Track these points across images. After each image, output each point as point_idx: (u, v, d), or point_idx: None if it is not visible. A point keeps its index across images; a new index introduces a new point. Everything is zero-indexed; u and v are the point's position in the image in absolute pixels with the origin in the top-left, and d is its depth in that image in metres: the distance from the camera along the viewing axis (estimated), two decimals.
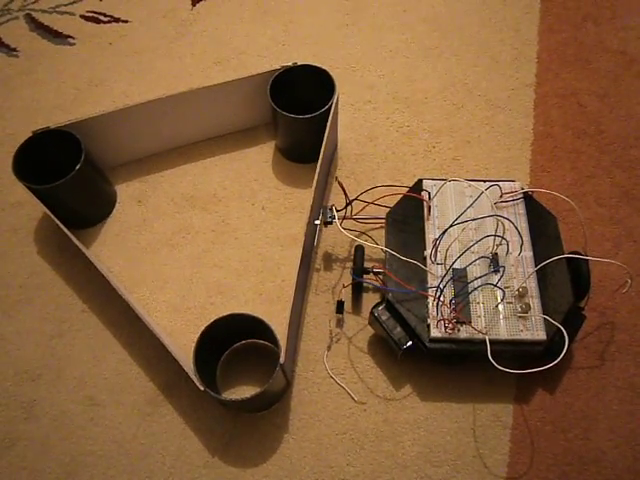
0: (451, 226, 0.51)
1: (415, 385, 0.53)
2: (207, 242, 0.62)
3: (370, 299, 0.57)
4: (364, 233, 0.60)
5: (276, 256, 0.60)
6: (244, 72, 0.61)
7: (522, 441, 0.51)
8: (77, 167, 0.56)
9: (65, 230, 0.55)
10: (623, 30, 0.75)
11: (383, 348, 0.55)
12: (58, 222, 0.55)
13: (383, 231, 0.57)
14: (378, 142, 0.67)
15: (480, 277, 0.50)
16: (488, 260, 0.51)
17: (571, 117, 0.69)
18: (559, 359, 0.46)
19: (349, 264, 0.59)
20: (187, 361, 0.49)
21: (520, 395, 0.53)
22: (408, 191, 0.56)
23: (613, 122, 0.68)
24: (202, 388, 0.46)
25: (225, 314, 0.49)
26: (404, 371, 0.54)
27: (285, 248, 0.61)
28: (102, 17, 0.79)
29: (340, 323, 0.57)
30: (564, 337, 0.47)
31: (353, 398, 0.53)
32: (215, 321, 0.49)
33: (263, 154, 0.67)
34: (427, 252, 0.52)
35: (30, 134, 0.58)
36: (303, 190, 0.64)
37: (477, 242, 0.50)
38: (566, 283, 0.51)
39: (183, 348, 0.55)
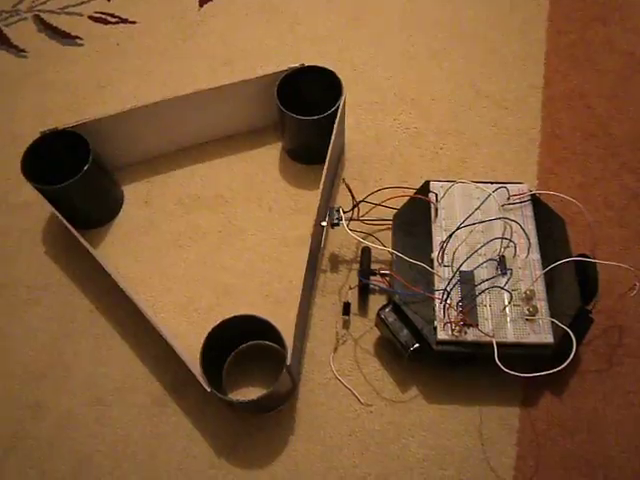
0: (458, 229, 0.50)
1: (421, 387, 0.53)
2: (214, 243, 0.62)
3: (377, 300, 0.57)
4: (371, 234, 0.60)
5: (283, 257, 0.60)
6: (251, 73, 0.61)
7: (529, 444, 0.51)
8: (85, 168, 0.56)
9: (73, 230, 0.56)
10: (631, 31, 0.74)
11: (389, 350, 0.55)
12: (66, 222, 0.56)
13: (390, 232, 0.57)
14: (385, 143, 0.67)
15: (487, 279, 0.50)
16: (495, 262, 0.51)
17: (579, 119, 0.68)
18: (567, 363, 0.46)
19: (356, 265, 0.59)
20: (194, 362, 0.49)
21: (527, 398, 0.52)
22: (415, 193, 0.56)
23: (621, 124, 0.68)
24: (209, 389, 0.46)
25: (232, 316, 0.49)
26: (410, 373, 0.54)
27: (292, 249, 0.61)
28: (110, 18, 0.79)
29: (346, 325, 0.56)
30: (572, 340, 0.47)
31: (359, 400, 0.53)
32: (222, 322, 0.49)
33: (270, 155, 0.67)
34: (434, 254, 0.52)
35: (38, 135, 0.58)
36: (310, 191, 0.64)
37: (484, 245, 0.50)
38: (574, 286, 0.51)
39: (190, 349, 0.55)
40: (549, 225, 0.54)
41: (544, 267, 0.51)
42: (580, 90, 0.70)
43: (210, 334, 0.48)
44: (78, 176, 0.56)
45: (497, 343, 0.47)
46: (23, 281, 0.61)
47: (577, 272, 0.52)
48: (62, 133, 0.58)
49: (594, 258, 0.52)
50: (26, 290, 0.60)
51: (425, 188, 0.56)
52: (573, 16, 0.76)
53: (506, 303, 0.50)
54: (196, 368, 0.48)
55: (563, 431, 0.51)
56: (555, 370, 0.46)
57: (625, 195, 0.63)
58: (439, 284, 0.51)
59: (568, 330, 0.47)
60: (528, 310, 0.49)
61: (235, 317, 0.49)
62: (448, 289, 0.49)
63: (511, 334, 0.49)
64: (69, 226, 0.56)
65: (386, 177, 0.65)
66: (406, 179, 0.64)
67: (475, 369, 0.53)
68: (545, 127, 0.68)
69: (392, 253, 0.53)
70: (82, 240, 0.55)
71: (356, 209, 0.57)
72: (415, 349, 0.50)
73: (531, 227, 0.54)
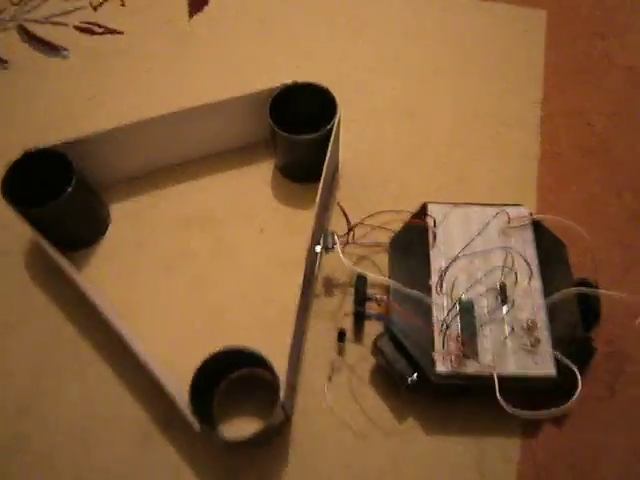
0: (456, 258, 0.49)
1: (419, 418, 0.52)
2: (204, 265, 0.60)
3: (373, 326, 0.55)
4: (366, 257, 0.58)
5: (276, 280, 0.58)
6: (242, 87, 0.59)
7: (529, 477, 0.49)
8: (68, 190, 0.53)
9: (55, 255, 0.53)
10: (630, 45, 0.73)
11: (386, 379, 0.53)
12: (47, 247, 0.53)
13: (386, 254, 0.55)
14: (382, 161, 0.65)
15: (487, 309, 0.49)
16: (496, 291, 0.50)
17: (579, 136, 0.67)
18: (573, 399, 0.44)
19: (350, 290, 0.57)
20: (183, 394, 0.47)
21: (527, 429, 0.51)
22: (412, 217, 0.54)
23: (621, 141, 0.66)
24: (199, 430, 0.44)
25: (221, 349, 0.47)
26: (407, 403, 0.52)
27: (285, 272, 0.59)
28: (96, 28, 0.77)
29: (341, 352, 0.55)
30: (575, 374, 0.45)
31: (355, 431, 0.51)
32: (211, 356, 0.46)
33: (261, 173, 0.65)
34: (432, 282, 0.50)
35: (20, 153, 0.55)
36: (303, 211, 0.62)
37: (485, 274, 0.48)
38: (576, 314, 0.50)
39: (179, 376, 0.52)
40: (550, 250, 0.53)
41: (546, 295, 0.50)
42: (580, 106, 0.69)
43: (199, 368, 0.46)
44: (60, 198, 0.53)
45: (498, 376, 0.46)
46: (3, 306, 0.58)
47: (579, 299, 0.50)
48: (45, 152, 0.55)
49: (596, 285, 0.51)
50: (6, 316, 0.57)
51: (423, 211, 0.55)
52: (572, 31, 0.75)
53: (507, 334, 0.48)
54: (185, 403, 0.46)
55: (564, 462, 0.50)
56: (560, 409, 0.44)
57: (624, 214, 0.62)
58: (437, 312, 0.49)
59: (574, 367, 0.45)
60: (530, 341, 0.47)
61: (225, 350, 0.47)
62: (447, 319, 0.47)
63: (512, 366, 0.47)
64: (51, 251, 0.53)
65: (382, 196, 0.63)
66: (403, 198, 0.62)
67: (474, 400, 0.51)
68: (544, 144, 0.66)
69: (389, 282, 0.51)
70: (65, 265, 0.53)
71: (351, 232, 0.55)
72: (413, 381, 0.48)
73: (531, 252, 0.52)
